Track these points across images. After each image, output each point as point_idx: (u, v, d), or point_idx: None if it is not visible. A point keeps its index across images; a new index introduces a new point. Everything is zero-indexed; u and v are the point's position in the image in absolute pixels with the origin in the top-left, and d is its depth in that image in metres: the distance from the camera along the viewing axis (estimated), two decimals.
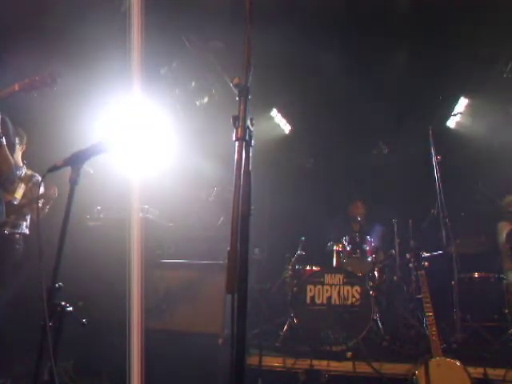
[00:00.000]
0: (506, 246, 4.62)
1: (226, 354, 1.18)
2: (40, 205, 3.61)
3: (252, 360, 3.46)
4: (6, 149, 2.66)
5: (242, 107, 1.30)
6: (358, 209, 5.50)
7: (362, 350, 3.78)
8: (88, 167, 3.46)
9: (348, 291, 4.04)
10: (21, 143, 3.63)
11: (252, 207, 1.29)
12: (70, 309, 1.71)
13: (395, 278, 4.87)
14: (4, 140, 2.63)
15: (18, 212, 3.47)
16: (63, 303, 1.69)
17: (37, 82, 2.58)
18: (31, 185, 3.66)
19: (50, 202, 3.70)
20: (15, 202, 3.51)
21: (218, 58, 5.10)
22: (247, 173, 1.26)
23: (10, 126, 2.82)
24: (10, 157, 2.71)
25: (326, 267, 4.49)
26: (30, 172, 3.77)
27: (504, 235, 4.71)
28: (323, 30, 4.59)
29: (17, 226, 3.47)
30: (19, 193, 3.56)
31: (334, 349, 3.78)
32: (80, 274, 3.41)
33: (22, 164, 3.71)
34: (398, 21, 4.53)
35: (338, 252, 4.76)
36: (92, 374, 3.43)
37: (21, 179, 3.57)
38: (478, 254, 4.78)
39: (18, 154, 3.63)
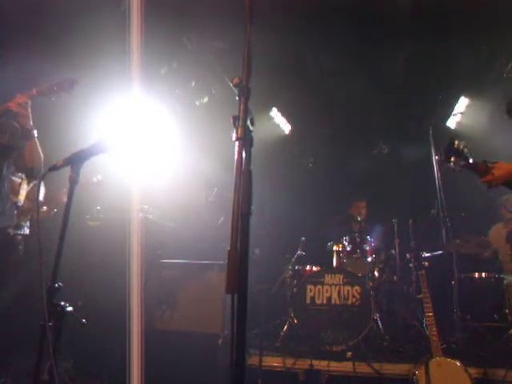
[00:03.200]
0: (505, 246, 4.63)
1: (226, 354, 1.17)
2: (45, 208, 3.63)
3: (252, 360, 3.46)
4: (37, 142, 2.81)
5: (241, 107, 1.30)
6: (361, 208, 5.50)
7: (362, 350, 3.78)
8: (95, 176, 3.50)
9: (348, 291, 4.04)
10: None
11: (252, 207, 1.28)
12: (70, 309, 1.71)
13: (395, 277, 4.88)
14: (36, 132, 2.78)
15: (21, 213, 3.49)
16: (63, 303, 1.69)
17: (54, 87, 2.67)
18: (33, 185, 3.67)
19: (58, 206, 3.74)
20: (19, 204, 3.52)
21: (218, 58, 5.10)
22: (247, 173, 1.26)
23: (19, 132, 2.90)
24: (41, 151, 2.85)
25: (326, 267, 4.49)
26: None
27: (503, 237, 4.72)
28: (323, 29, 4.59)
29: (20, 227, 3.49)
30: (22, 194, 3.57)
31: (334, 349, 3.78)
32: (80, 274, 3.41)
33: None
34: (399, 21, 4.53)
35: (338, 252, 4.76)
36: (92, 374, 3.42)
37: (22, 180, 3.58)
38: (477, 254, 4.78)
39: None
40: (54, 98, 2.74)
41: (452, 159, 2.40)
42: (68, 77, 2.74)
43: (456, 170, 2.42)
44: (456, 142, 2.38)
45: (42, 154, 2.87)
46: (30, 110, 2.72)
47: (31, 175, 3.05)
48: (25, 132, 2.77)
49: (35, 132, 2.80)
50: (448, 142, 2.42)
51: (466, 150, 2.38)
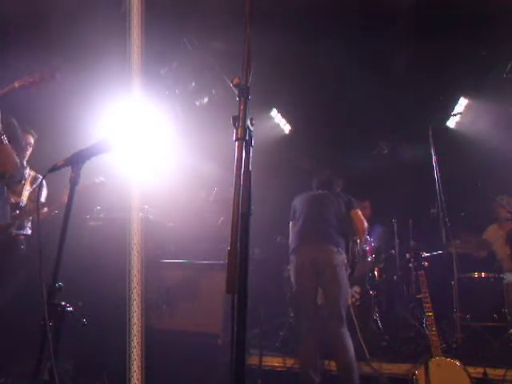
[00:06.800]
0: (505, 246, 4.64)
1: (226, 354, 1.17)
2: (45, 209, 3.62)
3: (252, 360, 3.46)
4: (9, 147, 2.64)
5: (241, 107, 1.30)
6: (365, 209, 5.48)
7: (362, 349, 3.78)
8: (97, 177, 3.49)
9: None
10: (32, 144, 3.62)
11: (252, 207, 1.29)
12: (70, 309, 1.71)
13: (395, 277, 4.88)
14: (5, 138, 2.61)
15: (24, 213, 3.49)
16: (63, 303, 1.69)
17: (35, 79, 2.59)
18: (35, 186, 3.67)
19: (61, 208, 3.72)
20: (22, 204, 3.52)
21: (218, 59, 5.10)
22: (247, 173, 1.26)
23: (18, 130, 2.83)
24: (15, 155, 2.71)
25: None
26: (33, 173, 3.74)
27: (503, 237, 4.73)
28: (323, 29, 4.60)
29: (22, 227, 3.50)
30: (25, 195, 3.57)
31: None
32: (80, 274, 3.41)
33: (25, 164, 3.69)
34: (399, 21, 4.53)
35: None
36: (92, 374, 3.43)
37: (25, 181, 3.58)
38: (477, 254, 4.79)
39: (26, 155, 3.59)
40: (35, 91, 2.63)
41: None
42: (50, 66, 2.65)
43: None
44: None
45: (17, 160, 2.68)
46: None
47: (3, 180, 2.91)
48: None
49: (5, 138, 2.60)
50: None
51: None
